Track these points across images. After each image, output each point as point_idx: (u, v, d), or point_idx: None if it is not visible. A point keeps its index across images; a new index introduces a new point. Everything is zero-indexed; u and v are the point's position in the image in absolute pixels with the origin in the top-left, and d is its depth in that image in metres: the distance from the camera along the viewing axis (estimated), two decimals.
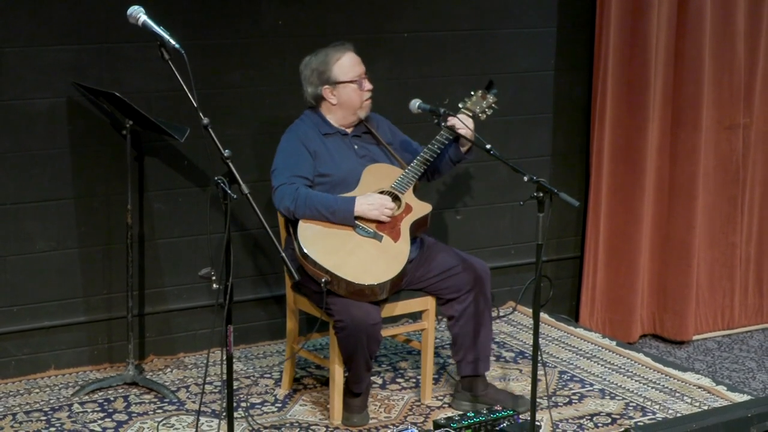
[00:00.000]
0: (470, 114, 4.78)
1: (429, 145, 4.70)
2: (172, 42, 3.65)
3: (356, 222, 4.54)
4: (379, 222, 4.57)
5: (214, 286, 3.70)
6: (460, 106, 4.80)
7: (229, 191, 3.61)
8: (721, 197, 6.17)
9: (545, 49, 5.93)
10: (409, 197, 4.68)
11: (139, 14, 3.76)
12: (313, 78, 4.69)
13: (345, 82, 4.66)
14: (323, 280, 4.39)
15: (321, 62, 4.67)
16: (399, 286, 4.61)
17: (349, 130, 4.76)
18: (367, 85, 4.70)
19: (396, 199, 4.63)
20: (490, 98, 4.84)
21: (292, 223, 4.60)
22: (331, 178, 4.64)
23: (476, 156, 4.95)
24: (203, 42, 5.12)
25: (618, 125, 5.94)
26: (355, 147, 4.74)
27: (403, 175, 4.68)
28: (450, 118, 4.68)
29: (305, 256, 4.45)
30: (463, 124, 4.68)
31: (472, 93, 4.85)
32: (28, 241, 4.96)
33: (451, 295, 4.70)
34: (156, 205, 5.18)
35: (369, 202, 4.55)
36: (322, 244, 4.47)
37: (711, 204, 6.14)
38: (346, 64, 4.66)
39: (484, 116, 4.83)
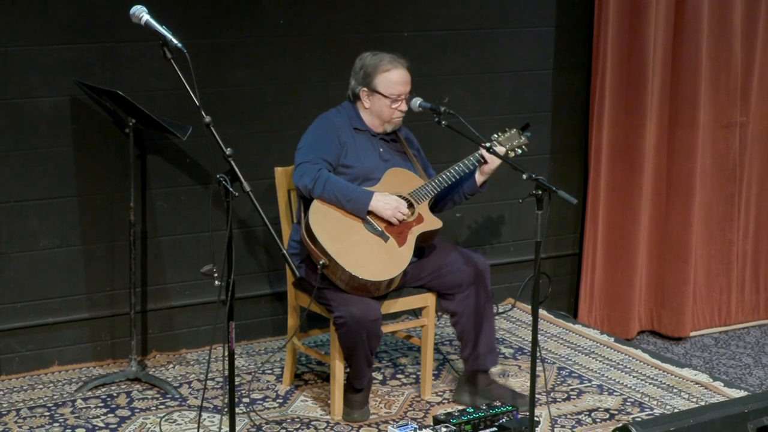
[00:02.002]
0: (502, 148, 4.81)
1: (454, 166, 4.71)
2: (175, 41, 3.66)
3: (367, 217, 4.58)
4: (388, 223, 4.60)
5: (216, 282, 3.71)
6: (493, 138, 4.81)
7: (231, 189, 3.63)
8: (718, 195, 6.19)
9: (544, 48, 5.95)
10: (423, 209, 4.70)
11: (141, 14, 3.77)
12: (359, 76, 4.71)
13: (381, 94, 4.69)
14: (321, 262, 4.42)
15: (371, 65, 4.69)
16: (396, 287, 4.64)
17: (378, 133, 4.80)
18: (402, 106, 4.72)
19: (410, 206, 4.67)
20: (523, 139, 4.86)
21: (305, 200, 4.62)
22: (353, 170, 4.66)
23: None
24: (205, 41, 5.14)
25: (616, 124, 5.97)
26: (380, 150, 4.76)
27: (422, 186, 4.70)
28: (485, 151, 4.66)
29: (311, 234, 4.47)
30: (496, 155, 4.65)
31: (507, 129, 4.86)
32: (31, 238, 4.98)
33: (452, 290, 4.72)
34: (158, 202, 5.20)
35: (386, 201, 4.57)
36: (330, 228, 4.50)
37: (708, 201, 6.17)
38: (390, 79, 4.68)
39: (513, 154, 4.85)
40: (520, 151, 4.87)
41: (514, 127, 4.88)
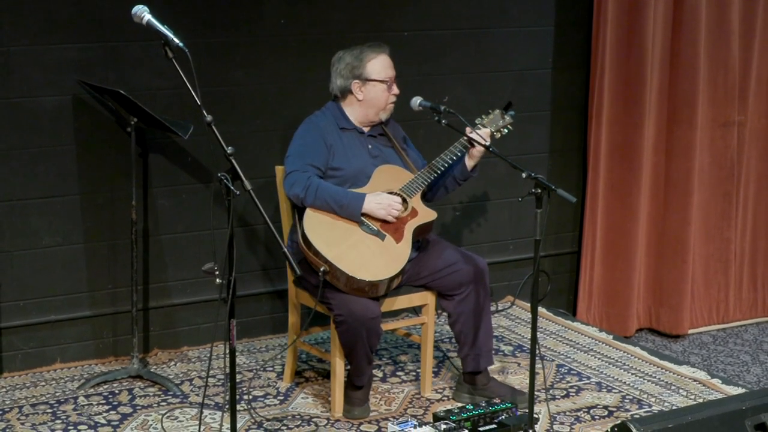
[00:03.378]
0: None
1: (442, 155, 4.73)
2: (176, 41, 3.68)
3: (361, 218, 4.60)
4: (384, 221, 4.62)
5: (218, 280, 3.73)
6: (477, 121, 4.84)
7: (232, 187, 3.65)
8: (715, 193, 6.22)
9: (543, 47, 5.97)
10: (416, 202, 4.71)
11: (143, 13, 3.79)
12: (345, 71, 4.73)
13: (375, 80, 4.71)
14: (321, 269, 4.44)
15: (356, 57, 4.72)
16: (397, 285, 4.66)
17: (365, 129, 4.82)
18: (395, 89, 4.76)
19: (403, 201, 4.68)
20: (507, 118, 4.88)
21: (298, 210, 4.65)
22: (343, 172, 4.68)
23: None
24: (207, 41, 5.16)
25: (615, 122, 5.99)
26: (369, 146, 4.78)
27: (413, 179, 4.72)
28: (470, 132, 4.70)
29: (308, 243, 4.48)
30: (481, 138, 4.69)
31: (490, 111, 4.88)
32: (34, 236, 5.00)
33: (452, 291, 4.74)
34: (160, 201, 5.22)
35: (377, 201, 4.59)
36: (326, 234, 4.52)
37: (706, 200, 6.19)
38: (380, 65, 4.72)
39: (499, 135, 4.87)
40: (506, 131, 4.89)
41: (498, 107, 4.90)
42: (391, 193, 4.66)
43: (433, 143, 5.49)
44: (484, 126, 4.82)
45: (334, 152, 4.69)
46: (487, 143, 4.67)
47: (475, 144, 4.70)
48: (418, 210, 4.71)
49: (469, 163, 4.79)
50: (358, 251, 4.52)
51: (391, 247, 4.59)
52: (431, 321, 4.88)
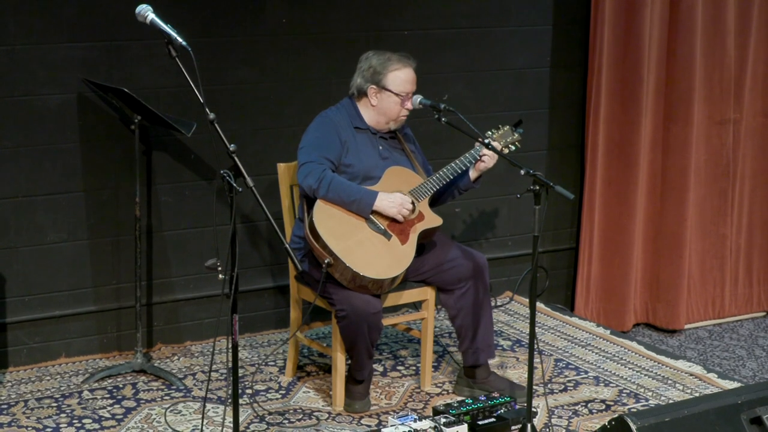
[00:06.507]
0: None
1: (452, 164, 4.75)
2: (179, 40, 3.69)
3: (370, 216, 4.63)
4: (391, 221, 4.65)
5: (220, 276, 3.74)
6: (487, 135, 4.83)
7: (234, 184, 3.66)
8: (711, 190, 6.24)
9: (541, 46, 6.00)
10: (423, 206, 4.74)
11: (147, 13, 3.80)
12: (367, 73, 4.72)
13: (391, 92, 4.71)
14: (326, 261, 4.47)
15: (380, 63, 4.71)
16: (398, 284, 4.69)
17: (379, 131, 4.85)
18: (409, 105, 4.75)
19: (411, 204, 4.73)
20: (516, 135, 4.91)
21: (308, 201, 4.66)
22: (353, 169, 4.69)
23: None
24: (209, 40, 5.19)
25: (612, 120, 6.02)
26: (380, 148, 4.79)
27: (422, 184, 4.74)
28: (484, 147, 4.72)
29: (315, 234, 4.50)
30: (491, 157, 4.74)
31: (500, 126, 4.91)
32: (39, 232, 5.03)
33: (452, 286, 4.78)
34: (163, 197, 5.24)
35: (390, 199, 4.60)
36: (334, 227, 4.53)
37: (702, 197, 6.22)
38: (401, 78, 4.71)
39: (507, 150, 4.90)
40: (513, 147, 4.93)
41: (508, 124, 4.94)
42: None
43: (432, 141, 5.53)
44: (494, 140, 4.84)
45: (348, 148, 4.71)
46: (495, 149, 4.71)
47: (486, 159, 4.73)
48: (425, 214, 4.73)
49: (474, 174, 4.82)
50: (365, 248, 4.55)
51: (396, 248, 4.62)
52: (431, 316, 4.91)
